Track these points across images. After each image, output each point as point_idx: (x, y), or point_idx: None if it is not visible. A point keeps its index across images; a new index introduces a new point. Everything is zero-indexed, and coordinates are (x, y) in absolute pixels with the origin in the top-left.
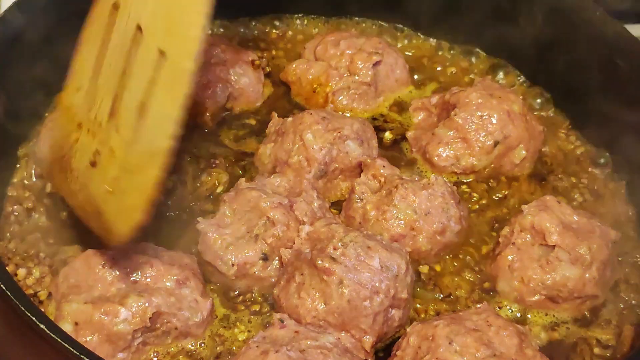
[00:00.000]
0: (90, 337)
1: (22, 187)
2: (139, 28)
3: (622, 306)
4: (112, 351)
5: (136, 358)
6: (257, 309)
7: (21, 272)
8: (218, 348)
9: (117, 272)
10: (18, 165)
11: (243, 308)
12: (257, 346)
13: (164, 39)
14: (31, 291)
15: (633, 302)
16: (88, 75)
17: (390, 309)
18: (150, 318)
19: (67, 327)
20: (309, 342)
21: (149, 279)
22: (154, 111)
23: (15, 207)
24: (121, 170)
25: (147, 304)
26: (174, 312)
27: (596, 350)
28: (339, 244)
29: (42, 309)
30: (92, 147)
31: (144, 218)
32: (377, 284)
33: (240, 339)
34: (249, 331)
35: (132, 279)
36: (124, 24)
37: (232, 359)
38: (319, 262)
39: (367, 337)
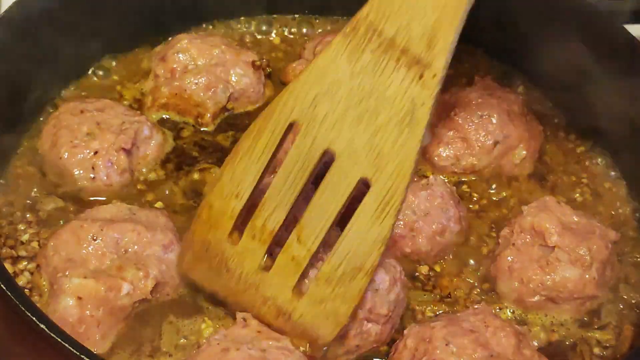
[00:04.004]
0: (95, 312)
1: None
2: (326, 153)
3: (621, 306)
4: (114, 322)
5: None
6: None
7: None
8: None
9: (107, 243)
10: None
11: None
12: (217, 343)
13: (369, 169)
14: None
15: (632, 302)
16: (250, 184)
17: (365, 322)
18: (150, 291)
19: (68, 302)
20: (270, 342)
21: (136, 247)
22: (356, 231)
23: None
24: (321, 281)
25: (146, 277)
26: (167, 281)
27: (596, 350)
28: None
29: (33, 282)
30: (260, 252)
31: (348, 321)
32: None
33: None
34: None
35: (122, 248)
36: (307, 145)
37: (192, 356)
38: None
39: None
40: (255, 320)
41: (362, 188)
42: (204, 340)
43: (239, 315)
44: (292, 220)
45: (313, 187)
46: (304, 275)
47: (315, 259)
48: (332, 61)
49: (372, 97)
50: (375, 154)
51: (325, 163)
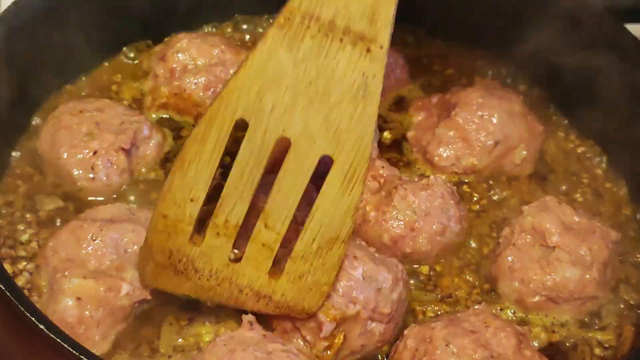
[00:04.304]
0: (95, 312)
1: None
2: (282, 139)
3: (622, 307)
4: (114, 323)
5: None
6: None
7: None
8: None
9: (107, 243)
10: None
11: None
12: (224, 344)
13: (329, 146)
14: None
15: (633, 302)
16: (204, 187)
17: (369, 322)
18: (150, 291)
19: (68, 302)
20: (276, 346)
21: (136, 247)
22: (325, 206)
23: None
24: (297, 259)
25: None
26: None
27: (597, 351)
28: None
29: (32, 282)
30: (227, 246)
31: (331, 289)
32: (354, 294)
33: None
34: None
35: (121, 248)
36: (259, 137)
37: (198, 354)
38: None
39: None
40: (260, 325)
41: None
42: (205, 342)
43: (245, 318)
44: (255, 209)
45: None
46: (277, 257)
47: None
48: (271, 53)
49: (321, 80)
50: (333, 131)
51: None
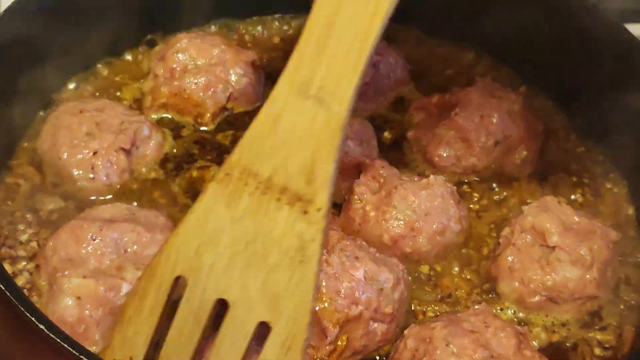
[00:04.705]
0: (94, 312)
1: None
2: (220, 301)
3: (622, 307)
4: (113, 323)
5: None
6: None
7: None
8: None
9: (107, 243)
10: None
11: None
12: None
13: (266, 313)
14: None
15: (633, 302)
16: (143, 345)
17: (371, 322)
18: None
19: (68, 302)
20: None
21: (136, 247)
22: None
23: None
24: None
25: None
26: None
27: (596, 351)
28: (324, 251)
29: (32, 282)
30: None
31: None
32: (356, 295)
33: None
34: None
35: (121, 248)
36: (197, 298)
37: None
38: None
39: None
40: None
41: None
42: None
43: None
44: None
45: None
46: None
47: None
48: (209, 209)
49: (259, 240)
50: (270, 297)
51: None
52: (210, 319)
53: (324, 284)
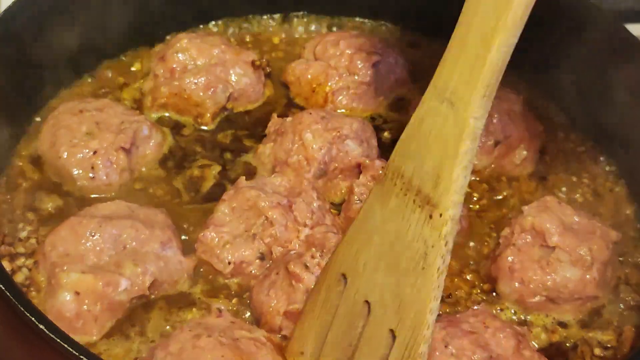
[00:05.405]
0: (93, 307)
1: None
2: (367, 303)
3: (622, 307)
4: (111, 318)
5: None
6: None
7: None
8: None
9: (106, 239)
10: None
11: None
12: (189, 330)
13: (394, 320)
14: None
15: (633, 302)
16: (312, 341)
17: None
18: (148, 287)
19: (66, 297)
20: (243, 332)
21: (134, 243)
22: None
23: None
24: None
25: (144, 273)
26: (165, 279)
27: (597, 351)
28: (318, 254)
29: (31, 278)
30: None
31: None
32: None
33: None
34: None
35: (120, 244)
36: (352, 297)
37: (164, 340)
38: (292, 266)
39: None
40: (229, 312)
41: None
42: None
43: (214, 305)
44: None
45: None
46: None
47: None
48: (368, 210)
49: (398, 242)
50: (398, 304)
51: None
52: (361, 320)
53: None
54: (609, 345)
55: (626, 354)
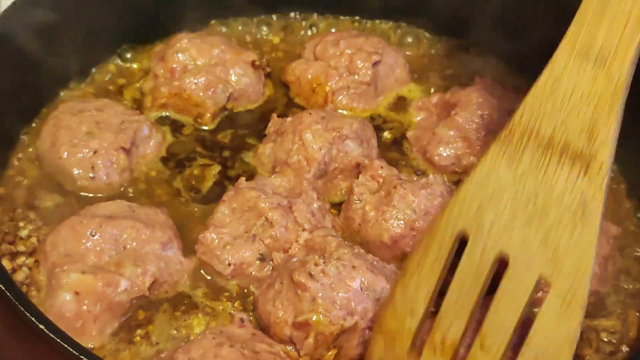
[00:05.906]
0: (93, 307)
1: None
2: (498, 258)
3: (623, 296)
4: (112, 318)
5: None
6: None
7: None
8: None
9: (106, 239)
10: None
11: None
12: (213, 337)
13: (546, 268)
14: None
15: (634, 291)
16: (423, 301)
17: (367, 331)
18: (148, 288)
19: (66, 297)
20: (264, 346)
21: (135, 243)
22: (542, 333)
23: None
24: None
25: (144, 274)
26: (165, 279)
27: (603, 336)
28: (321, 261)
29: (31, 277)
30: None
31: None
32: (352, 306)
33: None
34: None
35: (121, 244)
36: (478, 253)
37: (186, 344)
38: (296, 276)
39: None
40: (251, 324)
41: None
42: (195, 334)
43: (237, 315)
44: (470, 328)
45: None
46: None
47: None
48: (491, 169)
49: (539, 198)
50: (551, 252)
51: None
52: (490, 275)
53: (319, 294)
54: (615, 330)
55: (633, 338)
